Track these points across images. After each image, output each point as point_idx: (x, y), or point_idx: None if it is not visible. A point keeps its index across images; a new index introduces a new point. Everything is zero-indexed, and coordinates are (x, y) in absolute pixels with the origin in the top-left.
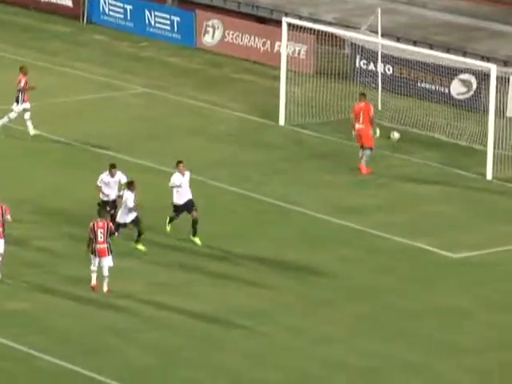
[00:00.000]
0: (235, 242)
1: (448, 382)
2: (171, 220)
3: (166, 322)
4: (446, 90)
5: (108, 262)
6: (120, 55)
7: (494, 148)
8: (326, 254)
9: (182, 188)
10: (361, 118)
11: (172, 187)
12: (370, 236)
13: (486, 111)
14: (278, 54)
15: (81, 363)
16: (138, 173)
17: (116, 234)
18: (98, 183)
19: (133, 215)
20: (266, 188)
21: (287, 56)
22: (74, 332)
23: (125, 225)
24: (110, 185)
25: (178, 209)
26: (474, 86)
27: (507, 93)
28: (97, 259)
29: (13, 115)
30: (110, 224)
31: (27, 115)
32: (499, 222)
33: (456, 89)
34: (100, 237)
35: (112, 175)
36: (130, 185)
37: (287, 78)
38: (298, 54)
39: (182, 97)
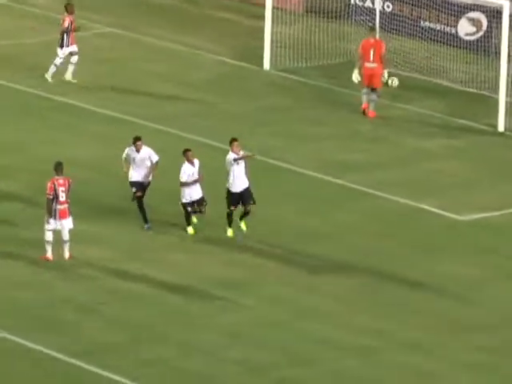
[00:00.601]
0: (213, 204)
1: (454, 362)
2: (229, 218)
3: (135, 293)
4: (453, 30)
5: (69, 224)
6: None
7: (507, 96)
8: (316, 216)
9: (239, 166)
10: (371, 56)
11: (231, 163)
12: (366, 196)
13: (497, 54)
14: None
15: (40, 340)
16: (105, 125)
17: (146, 226)
18: (124, 156)
19: (198, 192)
20: (250, 142)
21: None
22: (32, 305)
23: (192, 204)
24: (136, 162)
25: (233, 198)
26: (484, 25)
27: None
28: (57, 222)
29: (58, 61)
30: (71, 180)
31: (74, 59)
32: None
33: (464, 29)
34: (61, 196)
35: (137, 150)
36: (184, 153)
37: (273, 16)
38: None
39: (154, 38)
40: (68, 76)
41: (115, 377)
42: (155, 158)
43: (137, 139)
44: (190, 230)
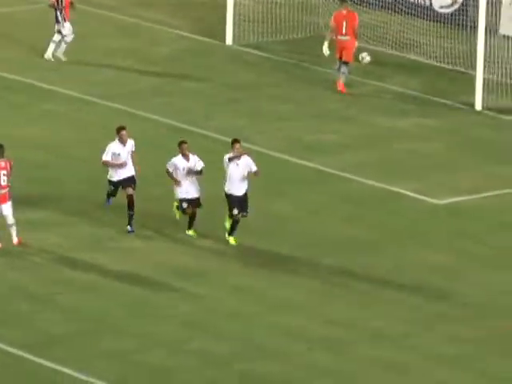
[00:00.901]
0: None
1: (431, 356)
2: (231, 216)
3: (89, 282)
4: (427, 2)
5: (9, 208)
6: None
7: (484, 72)
8: (284, 200)
9: (238, 168)
10: (344, 29)
11: (226, 163)
12: (336, 179)
13: (474, 27)
14: None
15: None
16: (61, 104)
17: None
18: (105, 157)
19: (194, 190)
20: (211, 121)
21: None
22: None
23: (187, 201)
24: (121, 157)
25: (231, 200)
26: None
27: (500, 4)
28: None
29: (68, 38)
30: (12, 163)
31: (57, 37)
32: (491, 161)
33: (439, 1)
34: (3, 180)
35: (123, 142)
36: (180, 146)
37: None
38: None
39: (111, 11)
40: (48, 55)
41: (70, 371)
42: (133, 147)
43: (121, 128)
44: (191, 232)
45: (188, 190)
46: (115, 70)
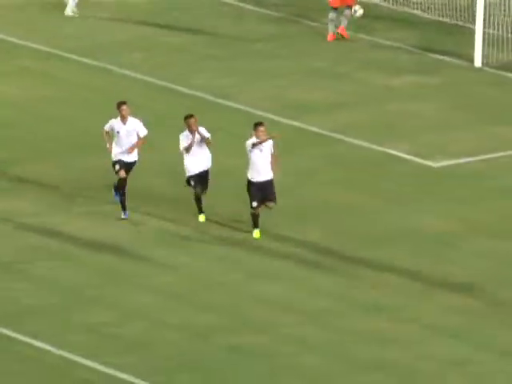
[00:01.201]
0: (150, 149)
1: (427, 327)
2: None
3: (61, 250)
4: None
5: None
6: None
7: (485, 26)
8: None
9: (262, 154)
10: None
11: (249, 149)
12: (325, 140)
13: None
14: None
15: None
16: (32, 59)
17: (123, 214)
18: (104, 126)
19: (202, 165)
20: (193, 79)
21: None
22: None
23: (195, 178)
24: (120, 136)
25: (254, 188)
26: None
27: None
28: None
29: None
30: None
31: None
32: (491, 121)
33: None
34: None
35: (123, 119)
36: (185, 120)
37: None
38: None
39: None
40: (69, 12)
41: (41, 344)
42: (143, 131)
43: (121, 103)
44: (201, 218)
45: (193, 164)
46: (91, 24)
